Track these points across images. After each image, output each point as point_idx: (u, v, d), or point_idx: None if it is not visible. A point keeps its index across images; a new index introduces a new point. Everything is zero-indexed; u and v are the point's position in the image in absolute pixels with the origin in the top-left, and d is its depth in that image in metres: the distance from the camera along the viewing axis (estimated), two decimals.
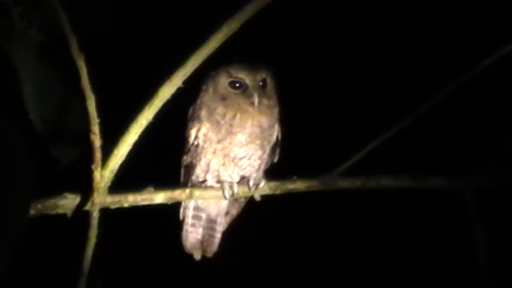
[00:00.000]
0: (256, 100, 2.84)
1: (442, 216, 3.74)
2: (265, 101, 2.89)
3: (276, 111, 2.96)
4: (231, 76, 2.87)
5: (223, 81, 2.88)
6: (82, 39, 1.99)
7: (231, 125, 2.86)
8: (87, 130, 2.10)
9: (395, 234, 4.17)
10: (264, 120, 2.89)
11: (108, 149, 2.22)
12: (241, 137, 2.87)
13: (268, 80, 2.92)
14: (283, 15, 3.30)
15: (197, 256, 3.09)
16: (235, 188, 2.88)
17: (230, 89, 2.87)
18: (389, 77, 4.06)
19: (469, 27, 3.86)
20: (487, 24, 3.75)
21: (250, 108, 2.86)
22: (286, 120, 3.00)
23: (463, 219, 2.77)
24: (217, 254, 3.09)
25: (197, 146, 2.93)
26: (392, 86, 4.04)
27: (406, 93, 3.71)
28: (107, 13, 2.85)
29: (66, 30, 1.96)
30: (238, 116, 2.86)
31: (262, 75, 2.89)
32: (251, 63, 2.90)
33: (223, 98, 2.87)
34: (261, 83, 2.88)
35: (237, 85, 2.87)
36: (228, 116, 2.86)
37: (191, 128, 2.94)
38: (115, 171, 2.27)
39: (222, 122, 2.87)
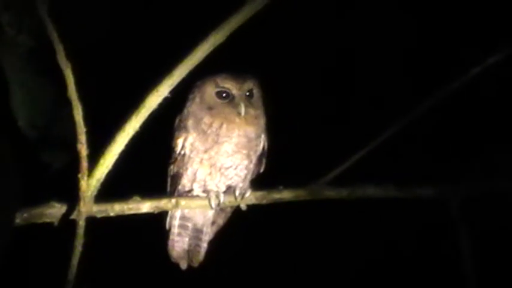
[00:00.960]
0: (242, 110, 2.85)
1: (430, 221, 3.76)
2: (251, 111, 2.89)
3: (262, 121, 2.96)
4: (217, 86, 2.87)
5: (209, 90, 2.88)
6: (70, 47, 1.99)
7: (217, 135, 2.86)
8: (75, 138, 2.10)
9: (383, 242, 4.18)
10: (251, 130, 2.90)
11: (95, 158, 2.22)
12: (227, 147, 2.87)
13: (255, 90, 2.92)
14: (270, 25, 3.31)
15: (183, 265, 3.08)
16: (222, 198, 2.88)
17: (217, 99, 2.88)
18: (376, 86, 4.08)
19: (458, 35, 3.89)
20: (477, 32, 3.78)
21: (237, 118, 2.87)
22: (273, 130, 3.01)
23: (449, 226, 2.80)
24: (203, 264, 3.09)
25: (184, 155, 2.93)
26: (379, 95, 4.06)
27: (394, 101, 3.73)
28: (95, 22, 2.85)
29: (53, 38, 1.96)
30: (224, 125, 2.86)
31: (249, 85, 2.90)
32: (238, 73, 2.91)
33: (210, 108, 2.88)
34: (247, 93, 2.89)
35: (224, 95, 2.87)
36: (215, 125, 2.86)
37: (178, 138, 2.94)
38: (101, 181, 2.27)
39: (209, 131, 2.87)
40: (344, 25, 4.06)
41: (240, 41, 2.18)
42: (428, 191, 2.87)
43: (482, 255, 2.86)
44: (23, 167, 2.14)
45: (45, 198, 2.54)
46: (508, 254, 3.57)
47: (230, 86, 2.86)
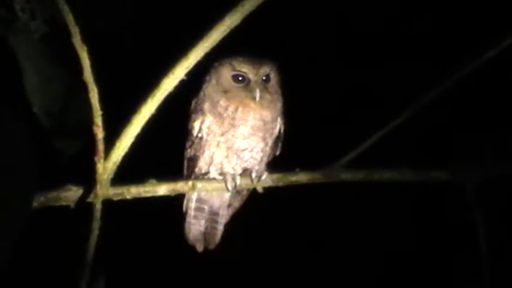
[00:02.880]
0: (257, 95, 2.83)
1: (446, 207, 3.75)
2: (267, 96, 2.88)
3: (279, 105, 2.95)
4: (234, 69, 2.86)
5: (226, 73, 2.87)
6: (85, 30, 1.99)
7: (233, 118, 2.85)
8: (91, 122, 2.10)
9: (398, 227, 4.18)
10: (266, 114, 2.89)
11: (111, 141, 2.22)
12: (243, 130, 2.86)
13: (272, 75, 2.91)
14: (286, 7, 3.30)
15: (199, 248, 3.09)
16: (238, 180, 2.88)
17: (233, 82, 2.86)
18: (391, 71, 4.06)
19: (477, 17, 3.86)
20: (495, 15, 3.74)
21: (252, 103, 2.85)
22: (289, 113, 2.99)
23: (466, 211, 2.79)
24: (219, 246, 3.10)
25: (201, 138, 2.93)
26: (394, 79, 4.03)
27: (408, 85, 3.70)
28: (110, 5, 2.85)
29: (69, 20, 1.95)
30: (240, 109, 2.85)
31: (266, 69, 2.88)
32: (255, 56, 2.89)
33: (226, 91, 2.87)
34: (264, 78, 2.87)
35: (240, 78, 2.86)
36: (231, 109, 2.85)
37: (195, 121, 2.94)
38: (118, 163, 2.27)
39: (225, 114, 2.86)
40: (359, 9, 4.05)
41: (257, 23, 2.16)
42: (445, 175, 2.85)
43: (496, 237, 2.85)
44: (38, 153, 2.15)
45: (60, 183, 2.54)
46: None
47: (246, 70, 2.84)
